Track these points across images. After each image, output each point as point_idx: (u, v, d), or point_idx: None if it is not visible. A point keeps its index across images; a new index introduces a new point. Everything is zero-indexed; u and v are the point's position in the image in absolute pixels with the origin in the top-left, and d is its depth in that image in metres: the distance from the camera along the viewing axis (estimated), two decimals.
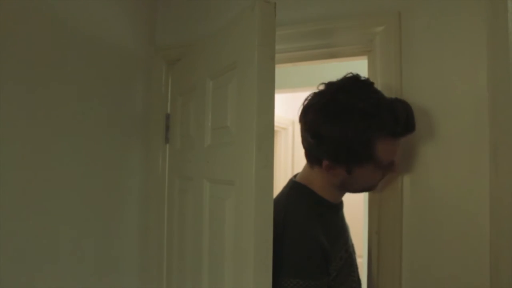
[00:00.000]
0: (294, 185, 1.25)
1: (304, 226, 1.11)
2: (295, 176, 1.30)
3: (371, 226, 1.36)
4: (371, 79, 1.33)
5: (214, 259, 1.22)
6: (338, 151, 1.09)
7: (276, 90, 1.01)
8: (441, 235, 1.26)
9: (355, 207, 3.19)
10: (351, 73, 1.16)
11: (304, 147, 1.21)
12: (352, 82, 1.14)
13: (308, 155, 1.21)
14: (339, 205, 1.28)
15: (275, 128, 1.01)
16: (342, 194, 1.26)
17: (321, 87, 1.17)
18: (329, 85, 1.15)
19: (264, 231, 0.97)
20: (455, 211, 1.24)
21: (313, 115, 1.12)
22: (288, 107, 3.84)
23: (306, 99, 1.16)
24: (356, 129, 1.06)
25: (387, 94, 1.29)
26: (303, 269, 1.05)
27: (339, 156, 1.10)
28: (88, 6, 1.48)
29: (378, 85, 1.33)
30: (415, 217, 1.30)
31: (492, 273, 1.16)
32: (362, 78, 1.16)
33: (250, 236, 0.97)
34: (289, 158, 4.27)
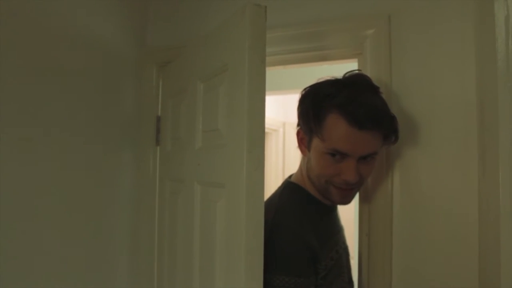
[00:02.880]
0: (288, 185, 1.26)
1: (293, 225, 1.11)
2: (290, 176, 1.31)
3: (361, 228, 1.37)
4: None
5: (205, 261, 1.22)
6: (300, 115, 1.17)
7: (267, 92, 1.01)
8: (431, 237, 1.27)
9: (346, 209, 3.21)
10: (359, 70, 1.19)
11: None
12: (349, 80, 1.15)
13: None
14: (332, 206, 1.28)
15: (266, 130, 1.02)
16: None
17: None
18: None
19: (254, 234, 0.97)
20: (445, 212, 1.25)
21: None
22: (279, 109, 3.85)
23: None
24: (318, 96, 1.11)
25: None
26: (289, 266, 1.05)
27: (300, 118, 1.18)
28: (78, 8, 1.48)
29: None
30: (405, 218, 1.30)
31: (480, 273, 1.17)
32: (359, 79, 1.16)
33: (241, 238, 0.97)
34: (280, 160, 4.27)
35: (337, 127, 1.06)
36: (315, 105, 1.11)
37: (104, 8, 1.60)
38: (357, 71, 1.18)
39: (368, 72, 1.36)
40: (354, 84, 1.12)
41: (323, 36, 1.43)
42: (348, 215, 3.12)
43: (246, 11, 1.00)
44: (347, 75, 1.16)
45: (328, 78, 1.16)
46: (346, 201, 1.17)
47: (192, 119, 1.32)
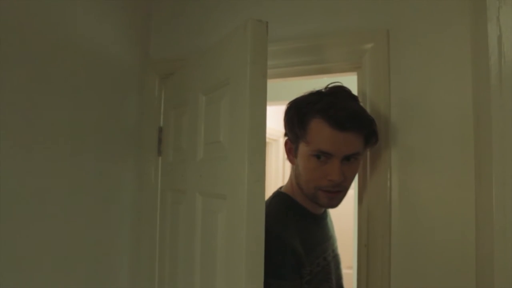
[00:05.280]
0: (277, 194, 1.33)
1: (279, 231, 1.15)
2: (281, 187, 1.37)
3: (360, 239, 1.39)
4: (361, 95, 1.38)
5: (206, 271, 1.23)
6: (286, 124, 1.26)
7: (267, 103, 1.04)
8: (429, 248, 1.28)
9: (345, 220, 3.22)
10: (338, 83, 1.25)
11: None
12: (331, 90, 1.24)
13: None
14: (321, 215, 1.33)
15: (267, 140, 1.05)
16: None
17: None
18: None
19: (255, 245, 0.98)
20: (443, 223, 1.27)
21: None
22: (279, 119, 3.86)
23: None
24: (301, 105, 1.21)
25: (376, 109, 1.33)
26: (274, 270, 1.09)
27: (286, 127, 1.26)
28: (83, 20, 1.50)
29: (367, 100, 1.37)
30: (403, 229, 1.32)
31: (478, 284, 1.18)
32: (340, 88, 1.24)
33: (242, 249, 0.99)
34: (280, 170, 4.29)
35: (320, 130, 1.14)
36: (299, 112, 1.20)
37: (108, 20, 1.63)
38: (337, 83, 1.25)
39: (367, 85, 1.38)
40: (335, 93, 1.22)
41: (323, 50, 1.46)
42: (347, 226, 3.14)
43: (248, 26, 1.02)
44: (328, 86, 1.25)
45: (311, 91, 1.25)
46: (334, 203, 1.22)
47: (194, 131, 1.35)
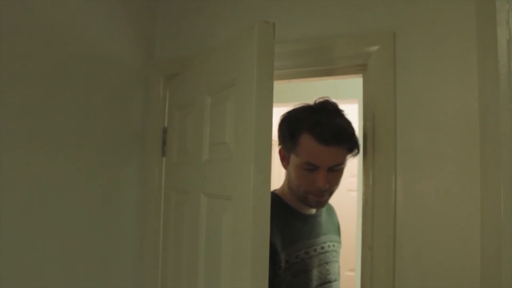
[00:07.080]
0: None
1: None
2: (275, 190, 1.47)
3: (364, 241, 1.38)
4: (366, 97, 1.39)
5: (210, 272, 1.23)
6: (280, 136, 1.40)
7: (273, 104, 1.04)
8: (434, 251, 1.28)
9: (348, 223, 3.22)
10: (326, 98, 1.39)
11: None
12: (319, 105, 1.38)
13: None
14: (312, 215, 1.46)
15: (272, 142, 1.08)
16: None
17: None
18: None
19: (260, 246, 0.98)
20: (448, 226, 1.26)
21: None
22: None
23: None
24: (292, 121, 1.36)
25: (382, 111, 1.33)
26: None
27: (280, 139, 1.40)
28: (87, 21, 1.51)
29: (373, 102, 1.37)
30: (408, 232, 1.32)
31: (482, 286, 1.18)
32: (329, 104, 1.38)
33: (247, 250, 0.99)
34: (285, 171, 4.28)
35: (308, 145, 1.29)
36: (290, 128, 1.35)
37: (113, 21, 1.63)
38: (325, 98, 1.39)
39: (372, 88, 1.38)
40: (321, 110, 1.37)
41: (329, 51, 1.45)
42: (350, 229, 3.13)
43: (255, 27, 1.02)
44: (316, 101, 1.39)
45: (302, 104, 1.40)
46: (321, 205, 1.41)
47: (199, 131, 1.35)
